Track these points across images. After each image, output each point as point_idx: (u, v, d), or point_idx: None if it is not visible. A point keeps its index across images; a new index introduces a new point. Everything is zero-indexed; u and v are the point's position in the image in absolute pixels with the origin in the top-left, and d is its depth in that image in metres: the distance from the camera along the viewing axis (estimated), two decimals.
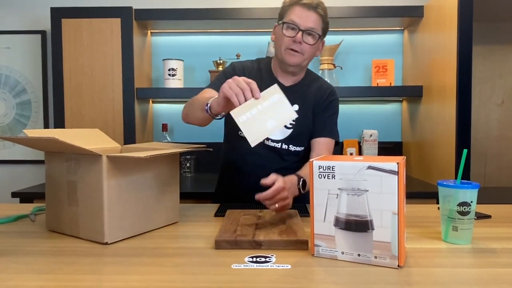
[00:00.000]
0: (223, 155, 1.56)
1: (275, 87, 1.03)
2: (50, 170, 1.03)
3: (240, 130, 1.37)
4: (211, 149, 1.18)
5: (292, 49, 1.29)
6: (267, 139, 1.39)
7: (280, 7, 1.36)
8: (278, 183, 1.05)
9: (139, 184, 1.00)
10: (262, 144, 1.37)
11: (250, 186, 1.20)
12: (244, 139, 1.37)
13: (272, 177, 1.07)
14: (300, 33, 1.27)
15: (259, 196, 1.05)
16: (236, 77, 1.02)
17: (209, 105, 1.11)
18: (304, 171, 1.24)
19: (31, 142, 1.01)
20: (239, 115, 0.99)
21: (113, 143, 1.23)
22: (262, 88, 1.38)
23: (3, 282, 0.71)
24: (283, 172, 1.17)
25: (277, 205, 1.06)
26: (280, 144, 1.39)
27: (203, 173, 2.48)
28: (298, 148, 1.41)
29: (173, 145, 1.21)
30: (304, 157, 1.42)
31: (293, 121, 1.38)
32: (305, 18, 1.28)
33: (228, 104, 1.04)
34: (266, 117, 0.99)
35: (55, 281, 0.72)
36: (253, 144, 0.98)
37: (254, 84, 1.00)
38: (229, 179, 1.51)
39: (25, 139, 0.95)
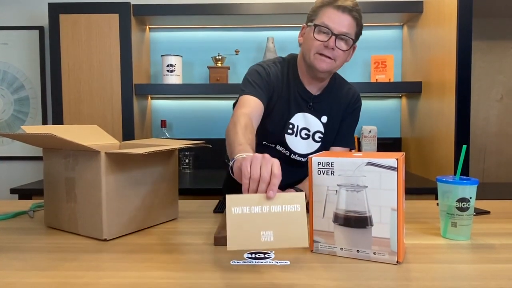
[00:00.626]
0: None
1: (301, 195, 0.76)
2: (48, 166, 1.03)
3: (266, 141, 1.28)
4: (210, 146, 1.18)
5: (322, 54, 1.20)
6: (294, 153, 1.31)
7: (311, 7, 1.26)
8: None
9: (138, 181, 0.99)
10: (287, 158, 1.31)
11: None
12: (270, 148, 1.31)
13: None
14: (332, 38, 1.17)
15: None
16: (266, 157, 0.80)
17: (233, 162, 0.92)
18: (305, 184, 1.21)
19: (29, 138, 1.00)
20: (234, 205, 0.74)
21: (112, 139, 1.23)
22: (288, 97, 1.30)
23: (1, 279, 0.71)
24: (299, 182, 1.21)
25: None
26: (306, 158, 1.31)
27: (202, 169, 2.47)
28: None
29: (172, 141, 1.20)
30: None
31: (322, 134, 1.32)
32: (338, 21, 1.17)
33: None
34: (266, 225, 0.73)
35: (54, 277, 0.72)
36: (230, 248, 0.72)
37: (276, 180, 0.76)
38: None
39: (23, 135, 0.95)
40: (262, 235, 0.73)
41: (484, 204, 1.26)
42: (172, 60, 2.26)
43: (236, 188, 1.50)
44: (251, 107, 1.16)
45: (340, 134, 1.36)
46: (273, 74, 1.27)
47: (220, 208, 1.22)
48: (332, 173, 0.81)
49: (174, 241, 0.93)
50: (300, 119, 1.30)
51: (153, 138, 2.47)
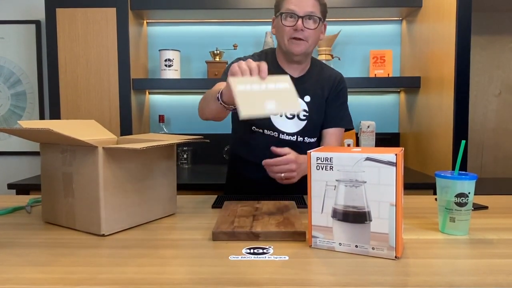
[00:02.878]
0: (232, 148, 1.55)
1: (287, 77, 0.96)
2: (46, 161, 1.03)
3: (254, 125, 1.35)
4: (208, 141, 1.18)
5: (295, 38, 1.28)
6: (282, 132, 1.37)
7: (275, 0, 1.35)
8: (290, 155, 1.13)
9: (136, 176, 0.99)
10: (276, 139, 1.37)
11: (263, 180, 1.23)
12: (258, 134, 1.38)
13: (286, 149, 1.14)
14: (300, 20, 1.26)
15: (266, 161, 1.13)
16: (251, 60, 0.96)
17: (220, 91, 1.05)
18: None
19: (26, 133, 0.99)
20: (238, 84, 0.88)
21: (109, 134, 1.22)
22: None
23: None
24: None
25: (282, 174, 1.10)
26: (295, 137, 1.38)
27: (200, 164, 2.47)
28: (312, 140, 1.41)
29: (170, 136, 1.20)
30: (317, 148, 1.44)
31: (307, 112, 1.38)
32: (301, 4, 1.26)
33: None
34: (267, 97, 0.89)
35: (51, 273, 0.72)
36: (243, 114, 0.83)
37: (264, 65, 0.93)
38: (241, 172, 1.49)
39: (20, 130, 0.94)
40: (267, 104, 0.88)
41: (482, 199, 1.26)
42: (170, 54, 2.24)
43: (240, 184, 1.53)
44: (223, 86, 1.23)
45: (331, 116, 1.42)
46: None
47: (218, 204, 1.22)
48: (331, 168, 0.81)
49: (172, 236, 0.93)
50: None
51: (151, 133, 2.46)
